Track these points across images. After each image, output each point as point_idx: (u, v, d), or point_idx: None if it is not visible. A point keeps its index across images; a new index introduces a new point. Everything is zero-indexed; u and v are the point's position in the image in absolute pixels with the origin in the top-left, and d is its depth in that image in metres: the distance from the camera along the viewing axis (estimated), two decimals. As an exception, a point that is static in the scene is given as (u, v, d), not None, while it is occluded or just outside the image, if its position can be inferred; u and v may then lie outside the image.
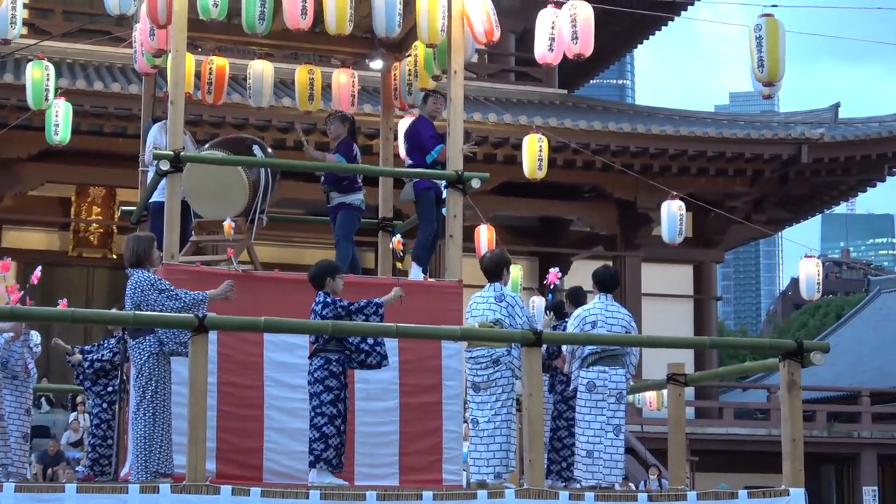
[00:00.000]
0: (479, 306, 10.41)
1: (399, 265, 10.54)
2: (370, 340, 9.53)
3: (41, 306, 12.05)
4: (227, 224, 10.50)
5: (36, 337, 12.11)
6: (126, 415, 11.10)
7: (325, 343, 9.46)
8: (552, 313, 11.67)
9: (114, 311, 9.98)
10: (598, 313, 10.67)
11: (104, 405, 11.77)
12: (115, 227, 26.84)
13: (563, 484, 10.90)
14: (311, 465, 9.36)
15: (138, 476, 9.06)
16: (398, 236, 10.32)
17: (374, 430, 10.32)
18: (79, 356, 11.89)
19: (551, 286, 11.96)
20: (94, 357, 11.78)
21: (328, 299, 9.56)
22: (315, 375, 9.45)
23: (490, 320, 10.22)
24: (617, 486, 10.66)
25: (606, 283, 10.93)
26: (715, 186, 27.74)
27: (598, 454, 10.43)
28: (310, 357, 9.57)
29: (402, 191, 11.68)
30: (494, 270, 10.58)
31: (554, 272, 12.09)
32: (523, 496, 8.94)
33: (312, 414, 9.42)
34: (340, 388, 9.46)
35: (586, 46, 11.04)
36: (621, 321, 10.72)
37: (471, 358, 10.25)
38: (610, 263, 11.37)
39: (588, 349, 10.56)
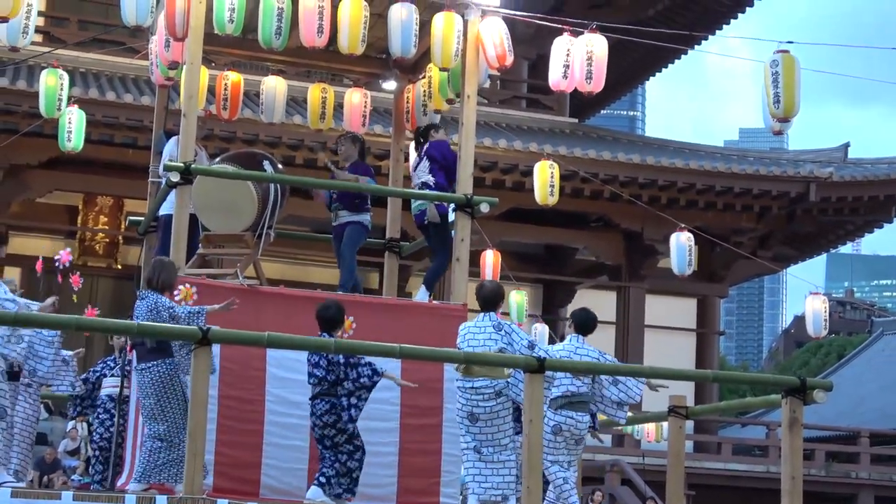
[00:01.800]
0: (478, 336, 10.24)
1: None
2: (353, 400, 9.49)
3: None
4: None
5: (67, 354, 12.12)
6: (126, 427, 11.12)
7: (330, 386, 9.46)
8: None
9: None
10: (567, 354, 10.55)
11: (109, 417, 11.79)
12: (121, 238, 26.85)
13: None
14: (338, 496, 9.32)
15: (136, 486, 9.08)
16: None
17: (373, 451, 10.27)
18: (81, 385, 11.98)
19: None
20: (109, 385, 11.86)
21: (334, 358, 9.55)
22: (324, 420, 9.45)
23: (494, 350, 10.09)
24: None
25: (582, 325, 10.77)
26: (722, 221, 27.72)
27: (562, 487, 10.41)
28: (312, 399, 9.55)
29: (429, 211, 11.62)
30: (492, 300, 10.45)
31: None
32: (520, 522, 8.91)
33: (335, 451, 9.42)
34: (351, 420, 9.49)
35: (598, 84, 11.16)
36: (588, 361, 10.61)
37: (471, 388, 10.06)
38: (588, 308, 11.17)
39: (557, 392, 10.48)
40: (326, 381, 9.44)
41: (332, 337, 9.63)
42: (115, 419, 11.44)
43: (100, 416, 11.96)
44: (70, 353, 11.78)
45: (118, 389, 11.45)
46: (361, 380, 9.47)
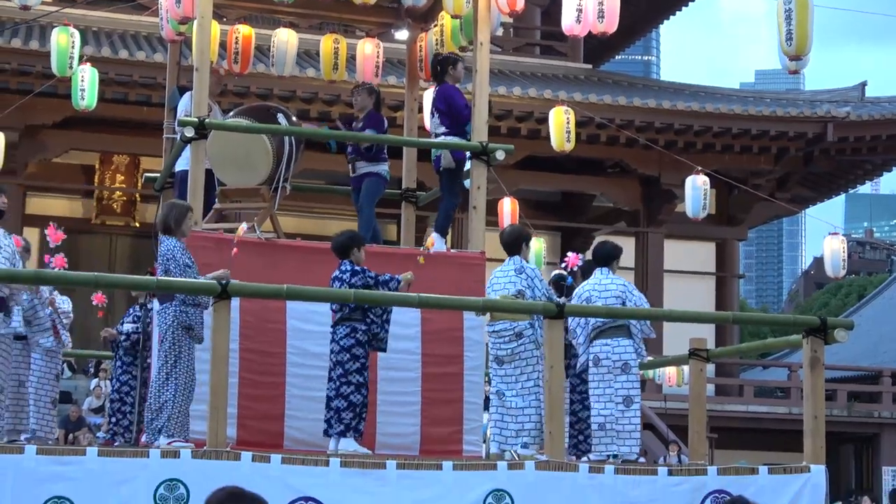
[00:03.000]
0: (500, 280, 10.40)
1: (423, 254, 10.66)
2: (385, 325, 9.54)
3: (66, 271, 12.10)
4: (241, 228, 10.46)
5: (66, 303, 12.14)
6: (148, 381, 11.16)
7: (351, 312, 9.46)
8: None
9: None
10: (592, 288, 10.71)
11: (130, 370, 11.83)
12: (138, 196, 26.90)
13: (579, 457, 10.90)
14: (341, 433, 9.33)
15: (149, 439, 9.11)
16: (431, 238, 10.36)
17: (395, 400, 10.33)
18: (114, 332, 11.96)
19: (572, 269, 11.89)
20: (128, 330, 11.84)
21: (356, 268, 9.57)
22: (341, 344, 9.42)
23: (512, 293, 10.18)
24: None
25: (604, 257, 10.98)
26: (740, 164, 27.62)
27: (609, 426, 10.46)
28: (333, 325, 9.57)
29: (443, 157, 11.58)
30: (513, 244, 10.56)
31: (574, 255, 12.03)
32: (543, 468, 8.94)
33: (338, 383, 9.39)
34: (366, 356, 9.47)
35: (611, 24, 11.04)
36: (614, 292, 10.72)
37: (493, 332, 10.23)
38: (608, 239, 11.28)
39: (591, 324, 10.59)
40: (347, 307, 9.44)
41: (349, 261, 9.63)
42: (139, 372, 11.48)
43: (120, 367, 11.99)
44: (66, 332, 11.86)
45: (139, 340, 11.50)
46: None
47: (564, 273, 11.92)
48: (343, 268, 9.62)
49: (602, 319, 10.54)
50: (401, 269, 10.04)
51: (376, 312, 9.51)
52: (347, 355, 9.38)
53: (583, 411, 11.13)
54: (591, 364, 10.63)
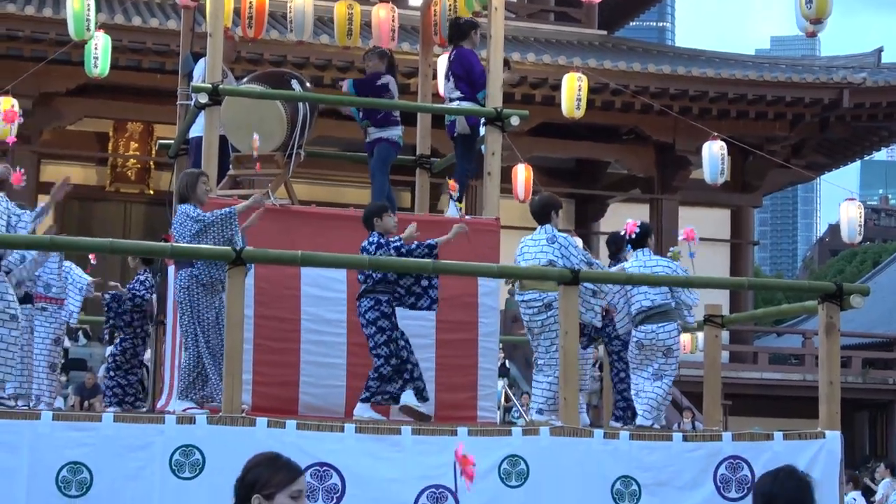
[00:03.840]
0: (531, 249, 10.30)
1: (460, 205, 10.57)
2: (423, 283, 9.51)
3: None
4: (255, 140, 10.36)
5: (81, 277, 12.15)
6: (163, 347, 11.19)
7: (375, 284, 9.43)
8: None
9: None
10: (637, 270, 10.67)
11: (131, 337, 11.89)
12: (152, 163, 26.92)
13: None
14: (365, 400, 9.36)
15: (177, 405, 9.15)
16: (452, 180, 10.34)
17: (409, 366, 10.33)
18: (121, 287, 12.01)
19: (630, 235, 11.69)
20: (136, 292, 11.87)
21: (381, 240, 9.52)
22: (367, 317, 9.41)
23: (543, 263, 10.11)
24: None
25: (639, 238, 10.98)
26: (754, 130, 27.52)
27: (638, 398, 10.59)
28: (358, 298, 9.56)
29: (458, 123, 11.53)
30: (542, 212, 10.48)
31: (632, 223, 11.78)
32: (558, 434, 8.94)
33: (371, 355, 9.41)
34: (392, 328, 9.43)
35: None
36: (660, 273, 10.73)
37: (523, 301, 10.18)
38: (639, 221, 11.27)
39: (635, 308, 10.61)
40: (372, 279, 9.42)
41: (377, 232, 9.58)
42: (155, 340, 11.52)
43: (129, 332, 12.04)
44: (88, 279, 11.83)
45: (151, 309, 11.54)
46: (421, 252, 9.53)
47: (621, 233, 11.73)
48: (370, 239, 9.58)
49: (647, 304, 10.60)
50: (426, 235, 10.01)
51: (407, 282, 9.49)
52: (373, 328, 9.38)
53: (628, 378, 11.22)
54: (633, 346, 10.71)
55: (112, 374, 12.10)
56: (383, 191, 11.35)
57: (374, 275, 9.38)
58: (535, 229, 10.51)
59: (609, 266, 11.53)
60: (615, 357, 11.47)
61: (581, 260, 10.14)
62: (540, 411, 10.10)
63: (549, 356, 10.11)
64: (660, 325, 10.60)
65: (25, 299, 10.84)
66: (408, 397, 9.41)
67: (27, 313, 11.08)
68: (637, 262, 10.88)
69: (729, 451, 9.18)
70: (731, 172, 27.79)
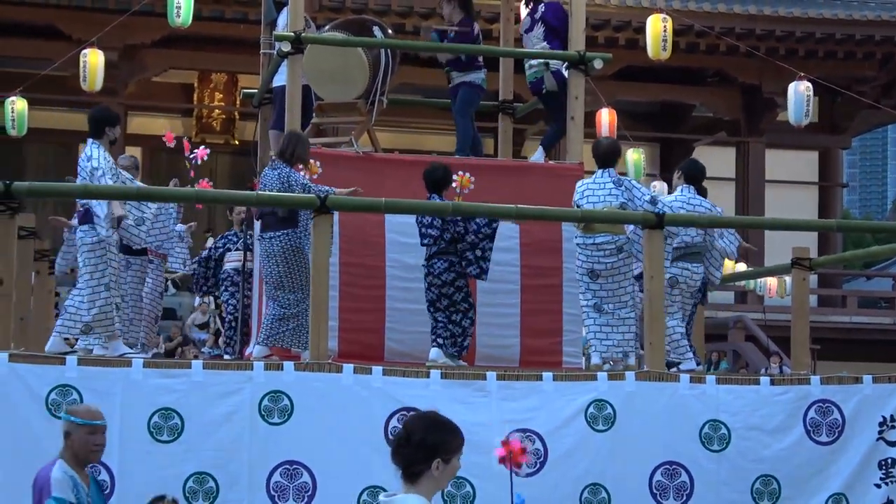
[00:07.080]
0: (598, 192, 10.13)
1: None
2: (477, 252, 9.52)
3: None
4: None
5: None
6: (251, 299, 11.32)
7: (447, 245, 9.50)
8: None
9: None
10: (681, 205, 10.42)
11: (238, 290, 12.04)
12: (237, 113, 27.09)
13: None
14: (441, 345, 9.44)
15: (259, 349, 9.32)
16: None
17: (495, 312, 10.35)
18: (193, 265, 12.19)
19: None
20: (226, 258, 12.09)
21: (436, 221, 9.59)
22: (443, 279, 9.53)
23: (616, 205, 9.98)
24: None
25: (693, 176, 10.63)
26: (843, 70, 27.01)
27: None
28: (428, 259, 9.61)
29: (546, 80, 11.42)
30: (611, 156, 10.34)
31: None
32: (643, 378, 8.92)
33: (448, 312, 9.52)
34: (467, 284, 9.61)
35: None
36: (703, 213, 10.52)
37: (592, 244, 9.99)
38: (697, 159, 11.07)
39: (673, 244, 10.41)
40: (443, 240, 9.47)
41: (441, 198, 9.64)
42: (241, 292, 11.63)
43: (228, 289, 12.18)
44: (182, 227, 11.94)
45: (241, 263, 11.64)
46: (483, 230, 9.51)
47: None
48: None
49: (686, 241, 10.35)
50: (499, 180, 9.99)
51: (463, 247, 9.52)
52: (451, 288, 9.54)
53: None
54: (665, 283, 10.37)
55: (233, 325, 12.22)
56: (468, 134, 11.32)
57: (444, 235, 9.45)
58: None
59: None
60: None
61: (645, 201, 10.00)
62: (626, 354, 10.01)
63: (617, 299, 9.99)
64: (695, 264, 10.39)
65: (140, 251, 10.98)
66: (436, 353, 9.44)
67: (141, 265, 11.23)
68: (682, 197, 10.57)
69: (818, 395, 9.10)
70: (819, 114, 27.41)
